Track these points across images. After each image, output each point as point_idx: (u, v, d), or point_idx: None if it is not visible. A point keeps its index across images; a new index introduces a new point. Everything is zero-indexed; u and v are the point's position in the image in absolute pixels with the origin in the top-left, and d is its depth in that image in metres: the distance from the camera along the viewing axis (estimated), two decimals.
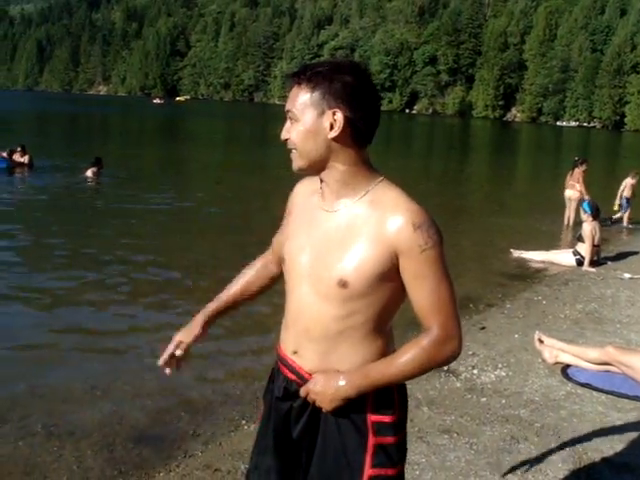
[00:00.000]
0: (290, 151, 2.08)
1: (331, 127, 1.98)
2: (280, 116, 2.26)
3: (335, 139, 1.99)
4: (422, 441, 4.50)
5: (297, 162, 2.07)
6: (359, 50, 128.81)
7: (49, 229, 12.19)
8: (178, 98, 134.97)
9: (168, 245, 11.33)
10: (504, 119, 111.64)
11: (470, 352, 6.29)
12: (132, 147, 30.78)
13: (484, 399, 5.28)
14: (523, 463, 4.27)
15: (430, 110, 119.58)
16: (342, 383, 2.05)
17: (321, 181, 2.11)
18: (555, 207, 15.04)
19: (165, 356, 2.41)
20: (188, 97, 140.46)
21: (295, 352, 2.16)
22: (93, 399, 5.37)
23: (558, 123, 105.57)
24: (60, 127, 47.47)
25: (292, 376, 2.19)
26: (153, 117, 65.02)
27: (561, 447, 4.49)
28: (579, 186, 14.02)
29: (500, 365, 6.00)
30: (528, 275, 10.10)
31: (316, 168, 2.06)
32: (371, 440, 2.10)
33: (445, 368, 5.84)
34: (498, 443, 4.53)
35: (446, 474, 4.12)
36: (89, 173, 18.37)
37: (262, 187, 17.87)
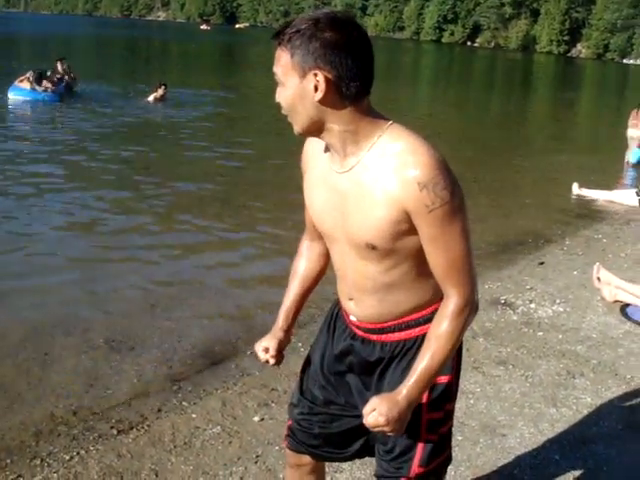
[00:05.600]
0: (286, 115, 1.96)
1: (315, 89, 1.84)
2: None
3: (323, 101, 1.84)
4: (477, 371, 4.52)
5: (294, 127, 1.95)
6: None
7: (115, 153, 12.33)
8: (237, 25, 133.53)
9: (237, 171, 11.41)
10: (568, 55, 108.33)
11: (528, 286, 6.26)
12: (192, 74, 30.68)
13: (541, 333, 5.26)
14: (578, 398, 4.26)
15: (492, 44, 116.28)
16: (401, 402, 1.97)
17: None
18: (619, 146, 14.68)
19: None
20: (247, 24, 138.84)
21: (351, 299, 2.15)
22: (153, 316, 5.50)
23: (625, 61, 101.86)
24: (117, 52, 47.60)
25: (360, 332, 2.19)
26: (212, 44, 64.63)
27: (617, 384, 4.47)
28: None
29: (558, 301, 5.95)
30: (589, 213, 9.94)
31: (313, 132, 1.95)
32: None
33: (502, 301, 5.84)
34: (553, 377, 4.53)
35: (500, 404, 4.14)
36: (151, 98, 18.36)
37: None
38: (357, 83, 1.85)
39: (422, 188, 1.82)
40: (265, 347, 2.33)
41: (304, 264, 2.40)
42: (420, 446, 2.13)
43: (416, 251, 1.95)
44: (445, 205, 1.83)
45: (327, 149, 2.02)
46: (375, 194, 1.89)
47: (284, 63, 1.86)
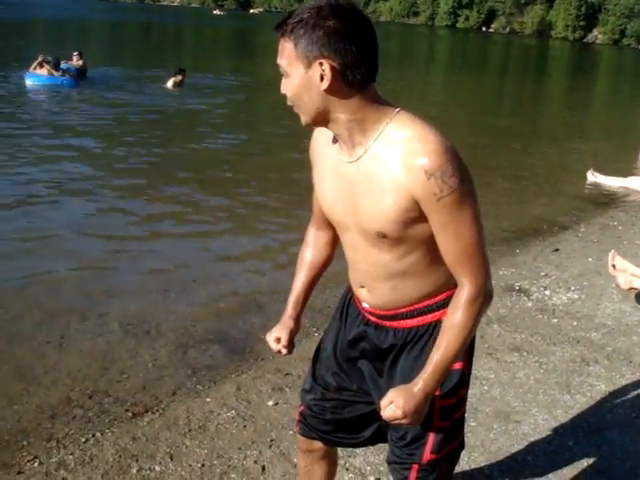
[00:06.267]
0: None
1: (321, 79, 1.82)
2: None
3: (329, 91, 1.83)
4: (492, 358, 4.52)
5: (301, 118, 1.94)
6: None
7: (136, 142, 12.35)
8: (251, 10, 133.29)
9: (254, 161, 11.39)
10: (584, 40, 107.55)
11: (542, 273, 6.25)
12: (208, 59, 30.65)
13: (555, 320, 5.25)
14: (592, 385, 4.26)
15: (507, 29, 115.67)
16: (418, 394, 1.95)
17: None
18: (634, 133, 14.58)
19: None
20: (261, 9, 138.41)
21: (363, 287, 2.15)
22: (168, 301, 5.52)
23: None
24: (132, 36, 47.55)
25: (372, 319, 2.18)
26: (226, 29, 64.49)
27: (632, 372, 4.46)
28: None
29: (573, 287, 5.94)
30: (604, 200, 9.90)
31: (320, 122, 1.94)
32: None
33: (517, 287, 5.84)
34: (568, 364, 4.52)
35: (515, 391, 4.14)
36: (169, 84, 18.29)
37: None
38: (362, 70, 1.83)
39: (430, 176, 1.80)
40: (277, 337, 2.33)
41: (311, 252, 2.40)
42: (432, 432, 2.13)
43: (427, 239, 1.94)
44: (454, 193, 1.81)
45: (335, 139, 2.01)
46: (383, 183, 1.87)
47: (288, 54, 1.84)
